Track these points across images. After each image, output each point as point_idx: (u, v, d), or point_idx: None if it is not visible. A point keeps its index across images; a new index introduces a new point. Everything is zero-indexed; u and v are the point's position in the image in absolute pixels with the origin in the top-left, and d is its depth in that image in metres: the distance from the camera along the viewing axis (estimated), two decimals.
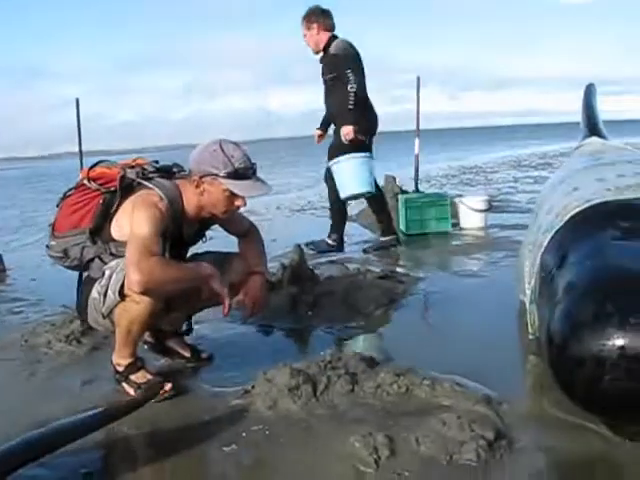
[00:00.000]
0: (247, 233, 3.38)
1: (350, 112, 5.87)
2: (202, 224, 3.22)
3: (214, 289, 2.92)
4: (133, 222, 2.80)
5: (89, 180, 3.05)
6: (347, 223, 6.70)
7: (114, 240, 2.95)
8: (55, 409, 2.86)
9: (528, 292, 3.22)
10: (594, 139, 4.51)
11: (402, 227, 7.22)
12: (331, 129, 6.41)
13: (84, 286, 3.04)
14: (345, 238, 6.66)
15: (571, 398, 2.34)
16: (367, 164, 5.91)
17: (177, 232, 3.03)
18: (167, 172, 3.10)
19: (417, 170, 8.05)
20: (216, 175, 2.89)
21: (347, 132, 5.90)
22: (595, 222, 2.81)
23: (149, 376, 3.05)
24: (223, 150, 2.91)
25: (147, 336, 3.37)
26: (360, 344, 3.73)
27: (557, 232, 2.96)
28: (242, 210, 3.16)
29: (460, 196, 8.13)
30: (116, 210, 2.96)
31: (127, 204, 2.94)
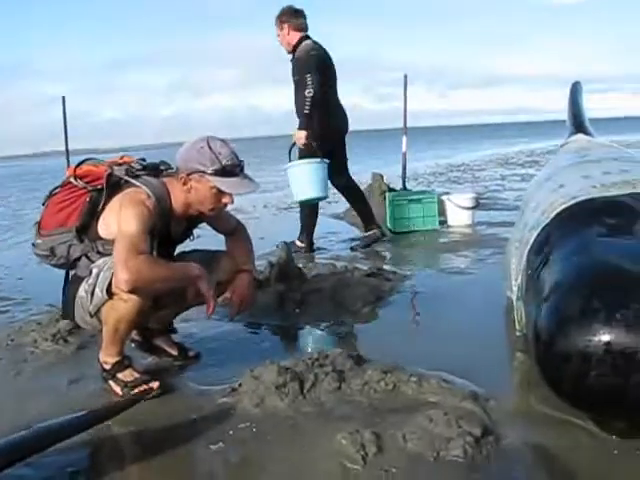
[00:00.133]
0: (234, 231, 3.38)
1: (305, 117, 5.87)
2: (190, 222, 3.22)
3: (201, 290, 2.92)
4: (121, 220, 2.79)
5: (76, 178, 3.04)
6: (335, 220, 6.71)
7: (101, 238, 2.94)
8: (42, 408, 2.85)
9: (515, 289, 3.23)
10: (580, 136, 4.53)
11: (389, 225, 7.22)
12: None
13: (71, 285, 3.02)
14: (332, 236, 6.66)
15: (558, 394, 2.35)
16: (321, 169, 5.88)
17: (165, 230, 3.02)
18: (154, 170, 3.09)
19: (405, 168, 8.06)
20: (203, 172, 2.89)
21: (299, 137, 5.92)
22: (581, 219, 2.82)
23: (136, 374, 3.03)
24: (210, 147, 2.90)
25: (134, 334, 3.36)
26: (347, 341, 3.73)
27: (543, 229, 2.97)
28: (229, 208, 3.15)
29: (447, 194, 8.14)
30: (103, 208, 2.96)
31: (114, 202, 2.93)
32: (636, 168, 3.29)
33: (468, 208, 7.48)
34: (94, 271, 2.87)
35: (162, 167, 3.13)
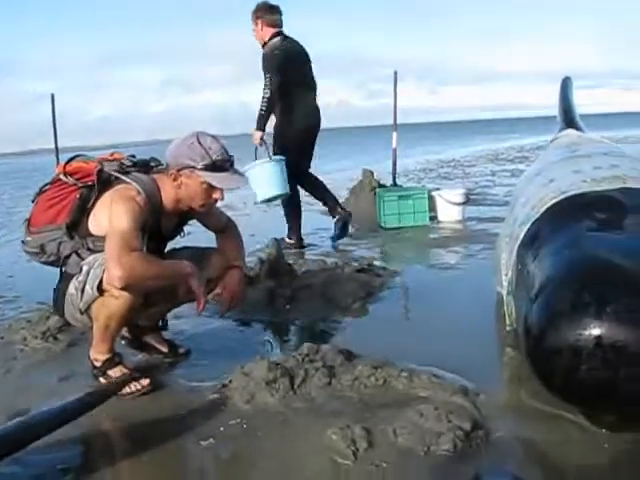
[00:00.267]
0: (225, 228, 3.37)
1: (260, 117, 5.88)
2: (180, 218, 3.21)
3: (192, 288, 2.91)
4: (112, 216, 2.78)
5: (65, 175, 3.02)
6: (325, 217, 6.69)
7: (91, 235, 2.93)
8: (32, 405, 2.84)
9: (505, 284, 3.23)
10: (570, 131, 4.53)
11: (380, 221, 7.23)
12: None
13: (61, 282, 3.01)
14: (323, 232, 6.65)
15: (548, 388, 2.35)
16: (279, 166, 5.88)
17: (155, 226, 3.02)
18: (144, 166, 3.08)
19: (395, 164, 8.08)
20: (194, 167, 2.88)
21: (254, 137, 5.92)
22: (571, 213, 2.83)
23: (126, 371, 3.02)
24: (200, 142, 2.90)
25: (125, 332, 3.35)
26: (337, 337, 3.73)
27: (533, 224, 2.97)
28: (219, 204, 3.14)
29: (438, 189, 8.15)
30: (93, 205, 2.94)
31: (105, 198, 2.91)
32: (626, 163, 3.30)
33: (458, 204, 7.49)
34: (84, 268, 2.86)
35: (152, 163, 3.12)
